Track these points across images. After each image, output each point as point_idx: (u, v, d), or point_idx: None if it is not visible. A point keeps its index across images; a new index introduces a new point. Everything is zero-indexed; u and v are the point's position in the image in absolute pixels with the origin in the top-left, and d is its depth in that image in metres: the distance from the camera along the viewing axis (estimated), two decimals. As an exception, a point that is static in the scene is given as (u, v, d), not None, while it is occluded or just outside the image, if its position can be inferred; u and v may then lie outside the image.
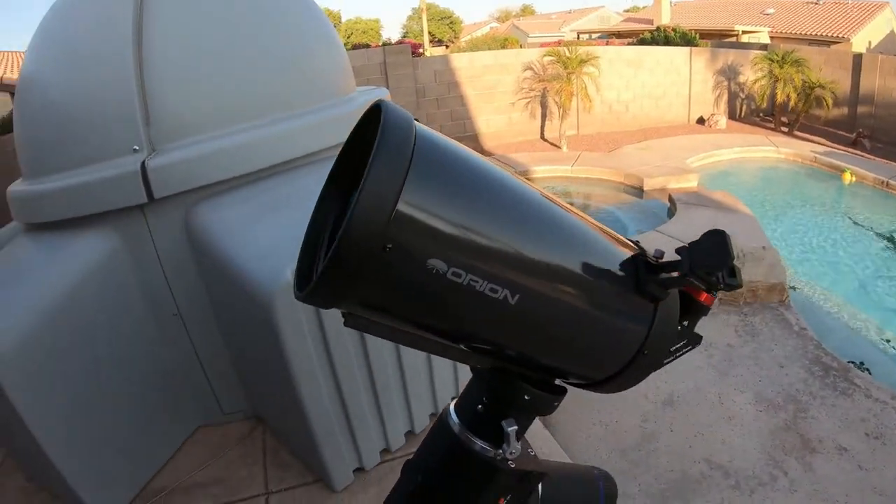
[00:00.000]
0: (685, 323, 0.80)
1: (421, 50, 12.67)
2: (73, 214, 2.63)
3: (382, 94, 3.92)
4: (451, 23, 32.05)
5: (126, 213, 2.66)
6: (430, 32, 24.62)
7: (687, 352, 0.83)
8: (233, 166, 2.75)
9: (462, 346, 0.73)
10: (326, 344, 2.45)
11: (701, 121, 11.74)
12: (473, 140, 10.77)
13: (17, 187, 2.77)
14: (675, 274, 0.69)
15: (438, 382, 3.01)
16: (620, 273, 0.73)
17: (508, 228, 0.64)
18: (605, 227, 0.77)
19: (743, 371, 3.53)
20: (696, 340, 0.82)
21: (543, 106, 10.93)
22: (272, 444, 3.24)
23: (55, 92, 2.68)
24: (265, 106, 2.97)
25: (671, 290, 0.74)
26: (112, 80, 2.60)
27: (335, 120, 3.15)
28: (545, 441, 2.92)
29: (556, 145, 10.46)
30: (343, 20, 27.87)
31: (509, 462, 0.76)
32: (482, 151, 10.31)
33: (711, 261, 0.66)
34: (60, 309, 2.62)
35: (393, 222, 0.54)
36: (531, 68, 10.61)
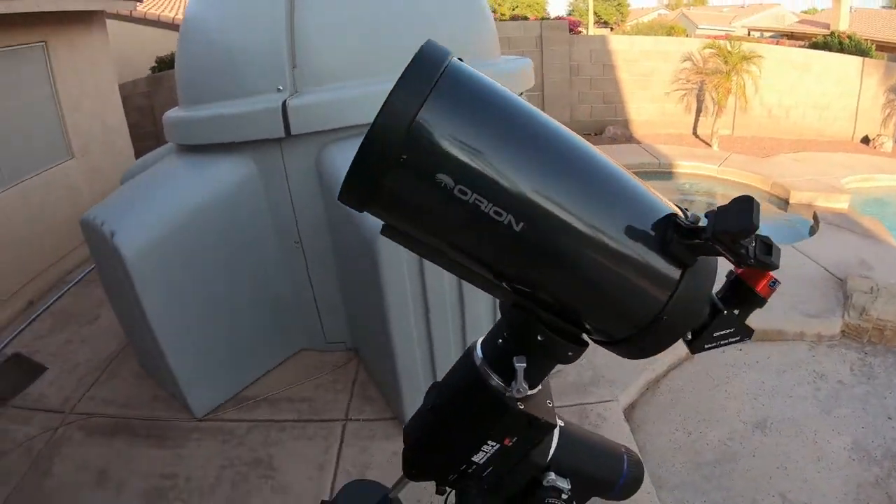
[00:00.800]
0: (735, 312, 0.77)
1: (580, 28, 12.21)
2: (218, 140, 2.84)
3: (526, 63, 3.83)
4: (618, 5, 30.73)
5: (264, 145, 2.84)
6: (595, 13, 23.78)
7: (734, 342, 0.80)
8: (365, 114, 2.83)
9: (486, 275, 0.73)
10: (424, 286, 2.51)
11: (865, 140, 10.50)
12: (623, 126, 10.33)
13: (172, 113, 3.03)
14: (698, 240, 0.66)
15: None
16: (645, 228, 0.69)
17: (522, 158, 0.64)
18: (645, 183, 0.74)
19: (847, 413, 3.21)
20: (746, 333, 0.79)
21: (699, 100, 10.26)
22: (363, 378, 3.38)
23: (214, 32, 2.91)
24: (404, 61, 3.02)
25: (701, 258, 0.70)
26: (265, 24, 2.78)
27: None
28: (622, 435, 2.83)
29: (707, 143, 9.83)
30: (509, -6, 27.47)
31: (518, 403, 0.76)
32: (632, 138, 9.92)
33: (733, 226, 0.62)
34: (191, 221, 2.86)
35: (409, 135, 0.59)
36: (690, 59, 9.96)
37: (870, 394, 3.35)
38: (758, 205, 0.63)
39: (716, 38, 12.11)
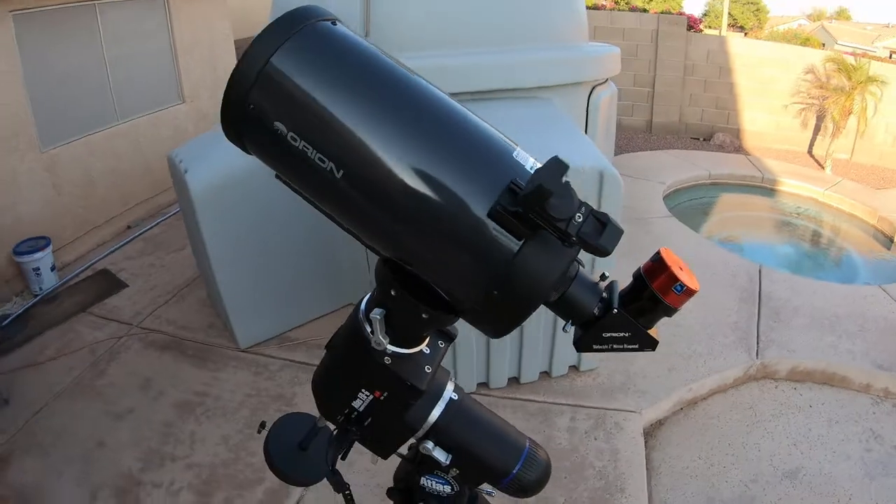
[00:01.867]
0: (640, 320, 0.71)
1: (701, 27, 11.43)
2: None
3: (610, 50, 3.60)
4: (756, 10, 28.64)
5: None
6: (731, 15, 22.27)
7: (631, 350, 0.74)
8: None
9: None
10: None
11: None
12: (733, 135, 9.59)
13: None
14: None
15: (559, 342, 2.90)
16: (473, 193, 0.64)
17: (352, 109, 0.64)
18: (512, 144, 0.70)
19: (894, 484, 2.78)
20: (646, 343, 0.73)
21: (819, 118, 9.35)
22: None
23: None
24: (476, 35, 2.91)
25: (542, 232, 0.62)
26: None
27: (536, 62, 2.99)
28: (635, 449, 2.64)
29: (820, 164, 8.98)
30: (646, -13, 26.21)
31: (386, 358, 0.76)
32: (740, 149, 9.24)
33: (536, 189, 0.57)
34: (257, 170, 2.94)
35: (255, 87, 0.63)
36: (813, 72, 9.06)
37: (930, 467, 2.92)
38: (563, 166, 0.59)
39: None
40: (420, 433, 0.85)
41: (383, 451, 0.87)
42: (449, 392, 0.87)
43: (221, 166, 3.06)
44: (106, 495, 2.68)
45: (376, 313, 0.74)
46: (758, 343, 3.48)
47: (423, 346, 0.82)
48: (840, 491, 2.69)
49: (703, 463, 2.76)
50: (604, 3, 12.95)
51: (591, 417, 2.83)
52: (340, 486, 0.86)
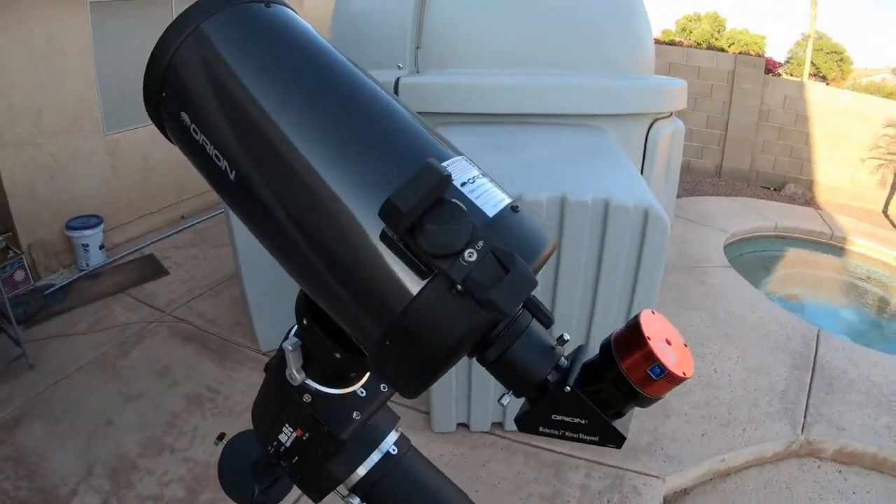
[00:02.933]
0: (604, 407, 0.54)
1: (779, 71, 10.94)
2: None
3: (676, 84, 3.38)
4: (840, 60, 27.36)
5: None
6: (814, 64, 21.35)
7: (589, 442, 0.56)
8: (475, 103, 2.71)
9: None
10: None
11: None
12: (805, 186, 9.02)
13: None
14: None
15: None
16: (364, 206, 0.50)
17: (263, 103, 0.54)
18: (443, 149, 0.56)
19: None
20: (608, 437, 0.55)
21: (897, 176, 8.71)
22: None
23: (356, 7, 2.92)
24: (529, 56, 2.75)
25: (456, 268, 0.46)
26: (398, 4, 2.76)
27: (588, 88, 2.81)
28: None
29: (895, 226, 8.35)
30: (728, 27, 25.50)
31: (305, 395, 0.65)
32: (811, 202, 8.70)
33: (385, 207, 0.44)
34: None
35: (167, 76, 0.58)
36: (893, 125, 8.43)
37: None
38: (437, 173, 0.44)
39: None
40: (346, 486, 0.71)
41: (312, 494, 0.74)
42: (388, 444, 0.72)
43: None
44: (99, 473, 2.66)
45: (290, 343, 0.63)
46: (805, 416, 3.11)
47: (358, 388, 0.68)
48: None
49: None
50: (682, 40, 12.58)
51: (607, 477, 2.56)
52: None
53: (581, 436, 0.55)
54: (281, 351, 0.67)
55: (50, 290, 4.13)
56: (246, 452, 0.80)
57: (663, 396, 0.52)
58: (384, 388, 0.69)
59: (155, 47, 0.58)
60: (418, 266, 0.46)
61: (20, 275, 4.04)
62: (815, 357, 3.70)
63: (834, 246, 7.03)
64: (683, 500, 2.65)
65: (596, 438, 0.55)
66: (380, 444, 0.71)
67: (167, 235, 5.10)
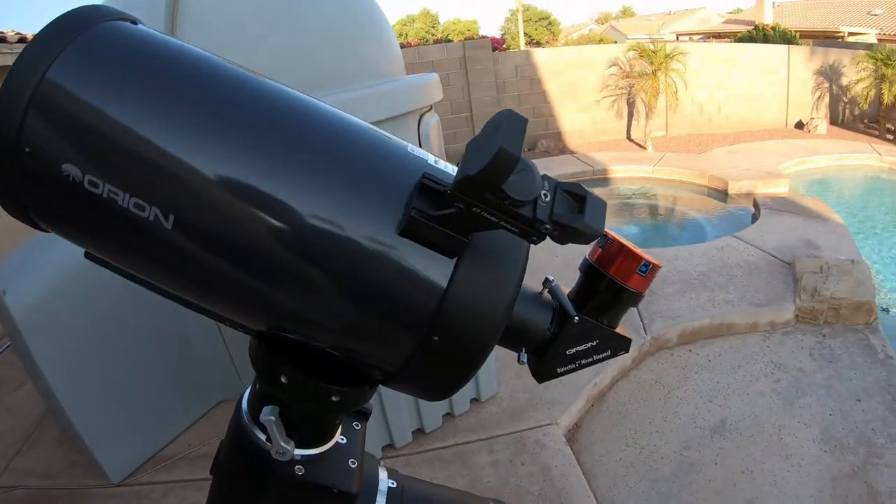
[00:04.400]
0: (603, 320, 0.58)
1: (504, 46, 12.22)
2: None
3: (429, 78, 3.64)
4: (549, 24, 31.31)
5: None
6: (527, 34, 24.16)
7: (603, 359, 0.60)
8: None
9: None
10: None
11: (800, 125, 10.64)
12: (555, 139, 10.24)
13: None
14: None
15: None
16: (370, 205, 0.47)
17: (177, 121, 0.45)
18: (394, 140, 0.53)
19: (812, 402, 2.91)
20: (619, 344, 0.60)
21: (630, 104, 10.25)
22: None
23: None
24: (277, 70, 2.78)
25: (484, 240, 0.47)
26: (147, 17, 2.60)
27: (361, 99, 2.94)
28: (564, 460, 2.52)
29: (641, 146, 9.79)
30: (441, 22, 27.82)
31: (296, 466, 0.56)
32: (565, 150, 9.83)
33: (474, 165, 0.40)
34: (84, 269, 2.61)
35: (28, 118, 0.43)
36: (617, 64, 9.94)
37: (833, 378, 3.08)
38: (521, 120, 0.41)
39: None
40: None
41: None
42: (384, 482, 0.69)
43: (46, 274, 2.69)
44: None
45: (268, 413, 0.55)
46: (642, 320, 3.54)
47: (338, 437, 0.63)
48: (768, 426, 2.75)
49: (633, 450, 2.70)
50: (409, 41, 13.45)
51: (509, 445, 2.67)
52: None
53: (594, 357, 0.59)
54: (235, 438, 0.60)
55: None
56: None
57: (645, 290, 0.59)
58: (356, 425, 0.66)
59: (3, 87, 0.44)
60: (454, 239, 0.45)
61: None
62: (628, 271, 4.21)
63: (598, 179, 8.07)
64: (579, 432, 2.87)
65: (608, 353, 0.60)
66: (378, 485, 0.68)
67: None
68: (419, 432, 2.83)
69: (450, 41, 10.81)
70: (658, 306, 3.69)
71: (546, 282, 0.61)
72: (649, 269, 0.58)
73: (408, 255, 0.46)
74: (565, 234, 0.44)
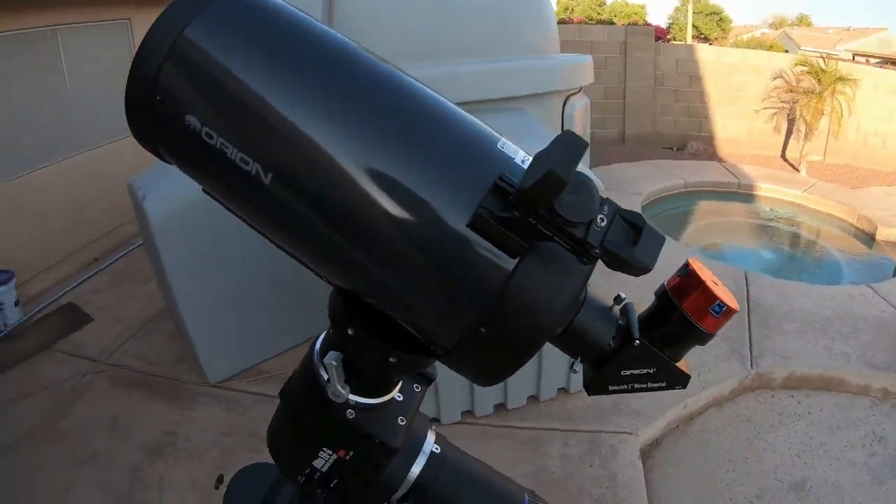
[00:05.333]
0: (665, 351, 0.56)
1: (669, 37, 11.50)
2: None
3: (582, 59, 3.51)
4: (720, 20, 29.09)
5: None
6: (695, 27, 22.61)
7: (658, 388, 0.58)
8: None
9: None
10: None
11: (977, 178, 9.31)
12: (706, 142, 9.59)
13: None
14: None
15: (547, 363, 2.73)
16: (446, 195, 0.48)
17: (285, 91, 0.49)
18: (477, 128, 0.53)
19: None
20: (676, 379, 0.58)
21: (790, 121, 9.38)
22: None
23: None
24: (444, 47, 2.78)
25: (545, 244, 0.45)
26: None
27: (507, 71, 2.89)
28: (633, 472, 2.46)
29: (794, 167, 8.98)
30: (609, 2, 26.60)
31: (349, 411, 0.60)
32: (714, 156, 9.22)
33: (544, 178, 0.41)
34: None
35: (163, 71, 0.49)
36: (782, 76, 9.10)
37: (937, 468, 2.78)
38: (580, 143, 0.42)
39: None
40: (398, 495, 0.69)
41: None
42: (430, 444, 0.71)
43: (181, 190, 2.87)
44: None
45: (331, 358, 0.58)
46: (751, 352, 3.34)
47: (395, 393, 0.66)
48: (848, 500, 2.56)
49: (705, 482, 2.60)
50: (572, 17, 13.01)
51: (584, 442, 2.66)
52: None
53: (649, 385, 0.57)
54: (305, 370, 0.64)
55: (-38, 365, 3.81)
56: (254, 490, 0.77)
57: (716, 332, 0.56)
58: (417, 387, 0.68)
59: (145, 40, 0.49)
60: (517, 243, 0.45)
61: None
62: (747, 297, 3.96)
63: (742, 193, 7.52)
64: (657, 449, 2.79)
65: (664, 384, 0.57)
66: (422, 446, 0.70)
67: (83, 280, 4.81)
68: (501, 407, 2.85)
69: (612, 24, 10.31)
70: (772, 342, 3.45)
71: (617, 298, 0.59)
72: (723, 311, 0.54)
73: (474, 247, 0.47)
74: (614, 263, 0.44)
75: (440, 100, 0.54)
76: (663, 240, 0.47)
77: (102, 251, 5.24)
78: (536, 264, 0.47)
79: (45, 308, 4.41)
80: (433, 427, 0.73)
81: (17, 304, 4.22)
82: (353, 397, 0.60)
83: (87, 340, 3.96)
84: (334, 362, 0.58)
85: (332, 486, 0.66)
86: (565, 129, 3.31)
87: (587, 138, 4.52)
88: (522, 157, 0.51)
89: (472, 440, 2.73)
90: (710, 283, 0.54)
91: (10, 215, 4.46)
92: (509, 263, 0.47)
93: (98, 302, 4.47)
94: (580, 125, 3.83)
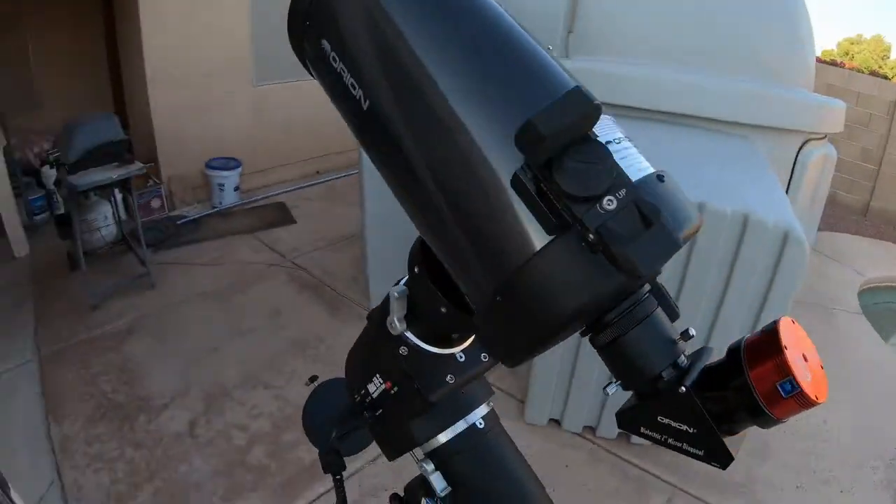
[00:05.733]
0: (714, 415, 0.47)
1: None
2: None
3: (834, 104, 3.10)
4: None
5: None
6: None
7: (689, 454, 0.48)
8: (620, 94, 2.59)
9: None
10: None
11: None
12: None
13: None
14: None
15: None
16: (500, 146, 0.45)
17: (405, 31, 0.51)
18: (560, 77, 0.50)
19: None
20: (715, 453, 0.47)
21: None
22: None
23: None
24: (688, 54, 2.60)
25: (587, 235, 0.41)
26: None
27: (745, 96, 2.63)
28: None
29: None
30: (893, 55, 23.07)
31: (402, 346, 0.62)
32: None
33: (522, 129, 0.40)
34: None
35: (312, 4, 0.57)
36: None
37: None
38: (588, 101, 0.41)
39: None
40: (423, 450, 0.67)
41: (387, 451, 0.71)
42: (475, 416, 0.67)
43: None
44: (195, 394, 2.84)
45: (396, 290, 0.61)
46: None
47: (457, 352, 0.64)
48: None
49: None
50: (844, 62, 11.52)
51: (690, 504, 2.43)
52: (331, 466, 0.71)
53: (685, 446, 0.48)
54: (386, 299, 0.64)
55: (182, 221, 4.45)
56: (333, 399, 0.78)
57: (786, 420, 0.45)
58: (485, 357, 0.65)
59: None
60: (548, 218, 0.42)
61: (156, 203, 4.41)
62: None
63: None
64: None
65: (701, 452, 0.48)
66: (467, 414, 0.66)
67: (300, 187, 5.32)
68: (624, 436, 2.70)
69: (888, 79, 8.91)
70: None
71: (685, 333, 0.51)
72: (794, 393, 0.43)
73: (514, 205, 0.44)
74: (606, 256, 0.39)
75: (555, 67, 0.51)
76: (676, 246, 0.40)
77: (326, 168, 5.71)
78: (566, 249, 0.42)
79: (259, 200, 4.98)
80: (490, 403, 0.70)
81: (236, 189, 4.82)
82: (410, 336, 0.62)
83: (284, 238, 4.42)
84: (396, 294, 0.60)
85: (377, 413, 0.68)
86: (795, 175, 2.92)
87: (821, 195, 4.00)
88: (609, 138, 0.46)
89: (581, 454, 2.62)
90: (791, 353, 0.44)
91: (252, 115, 5.05)
92: (541, 240, 0.43)
93: (306, 208, 4.93)
94: (815, 177, 3.40)
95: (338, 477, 0.73)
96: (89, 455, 2.47)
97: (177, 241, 4.21)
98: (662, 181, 0.45)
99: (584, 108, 0.40)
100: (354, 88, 0.53)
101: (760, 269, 2.07)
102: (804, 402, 0.44)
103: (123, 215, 3.89)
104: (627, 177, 0.42)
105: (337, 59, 0.55)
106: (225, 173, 4.68)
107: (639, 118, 2.57)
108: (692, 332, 0.52)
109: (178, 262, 3.97)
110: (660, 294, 0.49)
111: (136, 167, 3.48)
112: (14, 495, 1.74)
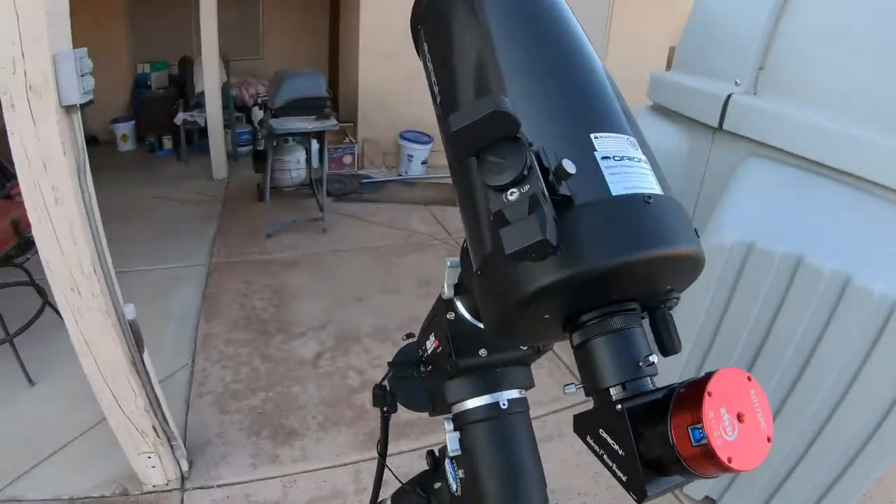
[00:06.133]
0: (642, 448, 0.44)
1: None
2: (667, 105, 2.72)
3: None
4: None
5: (700, 127, 2.56)
6: None
7: (619, 481, 0.45)
8: (794, 141, 2.21)
9: None
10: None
11: None
12: None
13: (657, 73, 3.02)
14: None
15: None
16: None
17: (473, 39, 0.61)
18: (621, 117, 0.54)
19: None
20: (631, 483, 0.44)
21: None
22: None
23: (714, 8, 2.72)
24: (884, 112, 2.07)
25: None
26: (750, 16, 2.41)
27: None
28: None
29: None
30: None
31: (450, 312, 0.66)
32: None
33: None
34: None
35: (424, 9, 0.68)
36: None
37: None
38: (483, 106, 0.41)
39: None
40: (452, 412, 0.70)
41: (430, 407, 0.77)
42: (502, 396, 0.67)
43: None
44: (329, 331, 2.93)
45: (450, 261, 0.64)
46: None
47: None
48: None
49: None
50: None
51: None
52: (377, 399, 0.80)
53: (614, 467, 0.46)
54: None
55: (367, 181, 4.68)
56: (412, 355, 0.82)
57: (704, 475, 0.41)
58: (524, 346, 0.67)
59: None
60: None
61: (348, 159, 4.68)
62: None
63: None
64: None
65: (623, 479, 0.45)
66: (495, 391, 0.68)
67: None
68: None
69: None
70: None
71: (645, 359, 0.48)
72: (700, 443, 0.39)
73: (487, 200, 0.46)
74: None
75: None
76: (535, 237, 0.39)
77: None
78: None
79: (442, 178, 5.07)
80: (523, 392, 0.70)
81: (423, 163, 4.96)
82: (458, 304, 0.64)
83: (455, 217, 4.41)
84: (449, 263, 0.64)
85: (428, 369, 0.73)
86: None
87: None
88: (608, 154, 0.49)
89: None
90: (715, 402, 0.40)
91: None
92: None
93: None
94: None
95: (385, 413, 0.81)
96: (224, 354, 2.64)
97: (357, 197, 4.43)
98: (648, 203, 0.46)
99: (489, 111, 0.41)
100: (430, 76, 0.64)
101: (854, 343, 1.56)
102: (711, 456, 0.39)
103: (316, 163, 4.17)
104: (601, 196, 0.45)
105: (426, 47, 0.66)
106: (416, 146, 4.83)
107: (812, 170, 2.10)
108: (653, 359, 0.49)
109: (352, 216, 4.17)
110: (661, 320, 0.50)
111: (332, 123, 3.70)
112: (146, 358, 1.87)
